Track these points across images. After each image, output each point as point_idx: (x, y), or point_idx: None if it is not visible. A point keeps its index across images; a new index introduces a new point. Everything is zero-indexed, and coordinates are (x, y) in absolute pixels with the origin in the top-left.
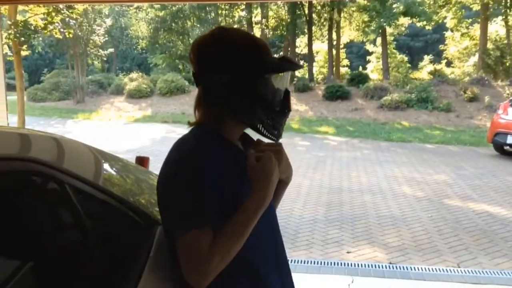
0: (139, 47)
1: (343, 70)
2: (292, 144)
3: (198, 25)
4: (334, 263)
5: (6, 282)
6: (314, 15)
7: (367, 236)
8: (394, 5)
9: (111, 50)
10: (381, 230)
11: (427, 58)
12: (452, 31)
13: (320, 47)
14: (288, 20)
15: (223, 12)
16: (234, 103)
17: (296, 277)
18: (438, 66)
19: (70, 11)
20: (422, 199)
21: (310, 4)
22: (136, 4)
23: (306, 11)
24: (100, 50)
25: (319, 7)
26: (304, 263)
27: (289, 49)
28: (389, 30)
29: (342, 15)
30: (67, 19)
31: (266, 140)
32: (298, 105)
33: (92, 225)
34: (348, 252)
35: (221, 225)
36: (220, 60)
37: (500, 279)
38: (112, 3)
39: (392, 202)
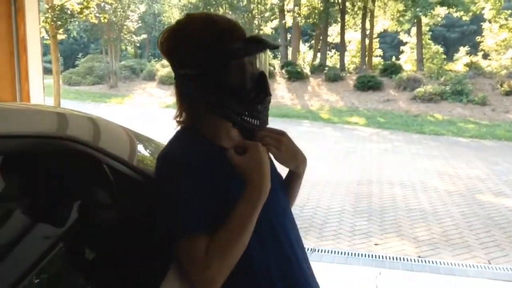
0: (157, 38)
1: (375, 60)
2: (322, 134)
3: (230, 12)
4: (362, 254)
5: (42, 258)
6: (347, 4)
7: (396, 229)
8: None
9: (144, 36)
10: (411, 224)
11: (463, 49)
12: (490, 22)
13: (353, 36)
14: (321, 8)
15: None
16: (203, 98)
17: (322, 267)
18: (474, 58)
19: None
20: (453, 194)
21: None
22: None
23: (340, 0)
24: (134, 36)
25: None
26: (331, 253)
27: (321, 37)
28: (424, 20)
29: (376, 4)
30: (102, 4)
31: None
32: (328, 95)
33: (128, 206)
34: (376, 244)
35: (216, 226)
36: (182, 52)
37: None
38: None
39: (423, 195)
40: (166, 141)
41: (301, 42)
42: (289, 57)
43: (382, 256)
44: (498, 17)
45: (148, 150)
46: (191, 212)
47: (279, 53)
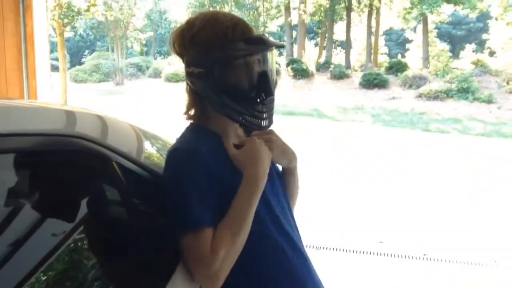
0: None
1: (381, 58)
2: (326, 132)
3: (236, 10)
4: (367, 252)
5: (48, 257)
6: (353, 1)
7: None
8: None
9: (150, 33)
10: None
11: (469, 47)
12: (496, 19)
13: (358, 33)
14: (327, 5)
15: None
16: (208, 97)
17: (327, 263)
18: (480, 56)
19: None
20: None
21: None
22: None
23: None
24: (140, 33)
25: None
26: (335, 250)
27: (327, 35)
28: (430, 17)
29: (382, 1)
30: (109, 1)
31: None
32: (333, 93)
33: (138, 204)
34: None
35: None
36: (188, 51)
37: None
38: None
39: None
40: (174, 138)
41: (306, 39)
42: (295, 54)
43: (387, 254)
44: (505, 14)
45: (155, 147)
46: (199, 205)
47: (285, 51)
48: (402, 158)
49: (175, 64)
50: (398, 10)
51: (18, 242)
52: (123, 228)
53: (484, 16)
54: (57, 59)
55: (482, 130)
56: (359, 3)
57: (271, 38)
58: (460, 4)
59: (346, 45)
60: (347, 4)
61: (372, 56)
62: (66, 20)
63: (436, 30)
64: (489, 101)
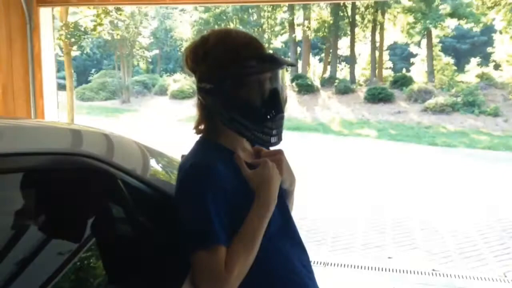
0: (183, 49)
1: (385, 72)
2: (332, 147)
3: (241, 27)
4: (375, 268)
5: (56, 274)
6: (357, 17)
7: (410, 241)
8: (441, 6)
9: (156, 51)
10: (424, 236)
11: (474, 60)
12: (501, 33)
13: (363, 48)
14: (331, 21)
15: (266, 14)
16: (218, 112)
17: (335, 281)
18: (485, 69)
19: (119, 12)
20: (467, 206)
21: (354, 5)
22: (180, 6)
23: (349, 13)
24: (146, 52)
25: (362, 9)
26: (344, 266)
27: (331, 50)
28: (434, 31)
29: (386, 16)
30: (115, 20)
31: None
32: (339, 107)
33: (143, 221)
34: (389, 258)
35: (232, 238)
36: (201, 67)
37: None
38: (158, 4)
39: (436, 207)
40: (179, 155)
41: (311, 55)
42: (299, 70)
43: (397, 270)
44: (509, 28)
45: (160, 165)
46: (217, 223)
47: (286, 68)
48: (410, 172)
49: (181, 81)
50: (402, 25)
51: (26, 260)
52: (129, 246)
53: (488, 30)
54: (64, 78)
55: (489, 143)
56: (363, 18)
57: (282, 56)
58: (464, 18)
59: (351, 60)
60: (350, 20)
61: (376, 71)
62: (73, 40)
63: (441, 44)
64: (495, 114)
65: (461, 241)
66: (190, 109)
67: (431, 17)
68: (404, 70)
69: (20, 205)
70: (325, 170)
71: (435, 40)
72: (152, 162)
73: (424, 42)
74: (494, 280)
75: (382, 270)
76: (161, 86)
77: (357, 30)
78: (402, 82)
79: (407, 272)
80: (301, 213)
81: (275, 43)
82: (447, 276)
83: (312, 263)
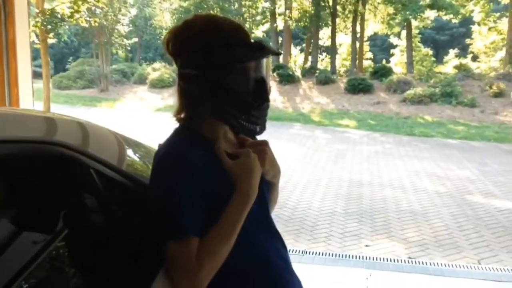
0: (163, 37)
1: (366, 63)
2: (313, 137)
3: (221, 16)
4: (352, 256)
5: (28, 265)
6: (338, 7)
7: (386, 230)
8: None
9: (135, 39)
10: (401, 225)
11: (452, 52)
12: (479, 25)
13: (344, 39)
14: (312, 11)
15: (247, 3)
16: (202, 99)
17: (313, 269)
18: (463, 61)
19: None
20: (443, 195)
21: None
22: None
23: (330, 3)
24: (125, 40)
25: None
26: (322, 255)
27: (312, 41)
28: (414, 23)
29: (367, 7)
30: (93, 8)
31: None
32: (319, 98)
33: (116, 211)
34: (366, 246)
35: (207, 229)
36: (185, 52)
37: None
38: None
39: (413, 196)
40: (160, 141)
41: (292, 45)
42: (281, 60)
43: (373, 258)
44: (487, 19)
45: (137, 155)
46: (190, 213)
47: (270, 56)
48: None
49: (160, 70)
50: (382, 16)
51: None
52: (103, 237)
53: (466, 22)
54: (40, 66)
55: (466, 133)
56: (344, 9)
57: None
58: (443, 10)
59: (332, 50)
60: (332, 10)
61: (357, 62)
62: (49, 27)
63: (420, 35)
64: (472, 105)
65: (437, 229)
66: (169, 98)
67: (411, 8)
68: (384, 61)
69: None
70: (303, 160)
71: (414, 31)
72: (129, 152)
73: (404, 33)
74: (469, 267)
75: (359, 258)
76: (140, 75)
77: (338, 20)
78: (382, 73)
79: (383, 260)
80: (280, 202)
81: (257, 32)
82: (423, 264)
83: (290, 252)
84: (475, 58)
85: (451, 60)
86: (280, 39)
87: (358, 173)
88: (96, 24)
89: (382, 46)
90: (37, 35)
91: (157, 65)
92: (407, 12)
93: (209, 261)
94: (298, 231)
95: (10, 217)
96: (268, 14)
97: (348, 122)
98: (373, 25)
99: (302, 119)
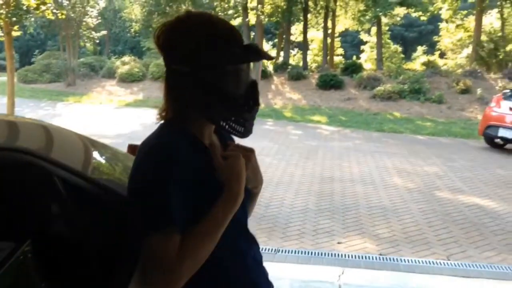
0: (132, 30)
1: (337, 59)
2: (285, 133)
3: (193, 9)
4: (325, 253)
5: None
6: (310, 3)
7: (358, 227)
8: None
9: (103, 32)
10: (372, 221)
11: (420, 49)
12: (446, 22)
13: (315, 35)
14: (284, 7)
15: None
16: (192, 97)
17: (286, 268)
18: (431, 57)
19: None
20: (412, 191)
21: None
22: None
23: None
24: (93, 32)
25: None
26: (295, 253)
27: (284, 36)
28: (384, 19)
29: (338, 3)
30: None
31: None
32: (291, 94)
33: (81, 219)
34: (339, 243)
35: (189, 227)
36: (178, 48)
37: (489, 273)
38: None
39: (383, 192)
40: (126, 144)
41: (264, 40)
42: None
43: (345, 255)
44: (454, 17)
45: (104, 157)
46: (176, 207)
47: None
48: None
49: (130, 64)
50: (353, 12)
51: None
52: (67, 245)
53: (434, 19)
54: (4, 59)
55: (434, 129)
56: (316, 4)
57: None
58: (412, 7)
59: (303, 46)
60: (304, 6)
61: (328, 57)
62: (14, 19)
63: (389, 32)
64: (439, 101)
65: (407, 225)
66: (139, 92)
67: (381, 5)
68: (354, 57)
69: None
70: (276, 156)
71: (384, 28)
72: (95, 155)
73: (374, 29)
74: (438, 263)
75: (332, 256)
76: (109, 68)
77: (310, 16)
78: (353, 69)
79: (355, 257)
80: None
81: None
82: (394, 260)
83: (262, 251)
84: (442, 55)
85: (419, 57)
86: (252, 34)
87: (329, 169)
88: (63, 16)
89: (352, 43)
90: (1, 28)
91: (126, 58)
92: (378, 9)
93: (189, 259)
94: (271, 229)
95: None
96: (240, 8)
97: (319, 118)
98: (344, 21)
99: (274, 115)
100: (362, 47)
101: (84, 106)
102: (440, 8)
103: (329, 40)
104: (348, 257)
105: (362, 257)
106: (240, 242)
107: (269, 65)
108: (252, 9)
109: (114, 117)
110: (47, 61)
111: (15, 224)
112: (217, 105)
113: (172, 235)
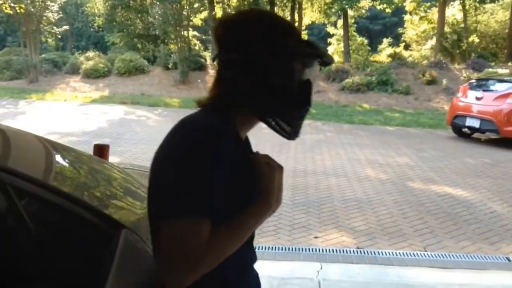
0: (96, 25)
1: None
2: (258, 127)
3: (158, 3)
4: (302, 249)
5: None
6: None
7: (334, 220)
8: None
9: (65, 27)
10: (347, 214)
11: (386, 41)
12: (410, 14)
13: None
14: (250, 0)
15: None
16: (244, 89)
17: (264, 264)
18: (397, 49)
19: None
20: (385, 182)
21: None
22: None
23: None
24: (54, 28)
25: None
26: (272, 249)
27: None
28: (350, 12)
29: None
30: None
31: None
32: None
33: (39, 232)
34: (315, 237)
35: (218, 221)
36: (236, 38)
37: (467, 263)
38: None
39: (357, 185)
40: (93, 142)
41: None
42: None
43: (322, 249)
44: (418, 9)
45: (67, 160)
46: (211, 195)
47: (210, 45)
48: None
49: (94, 60)
50: (320, 5)
51: None
52: (21, 258)
53: (398, 11)
54: None
55: (402, 120)
56: None
57: None
58: (377, 0)
59: None
60: None
61: None
62: None
63: (355, 25)
64: (406, 92)
65: (382, 217)
66: (104, 88)
67: None
68: None
69: None
70: None
71: (350, 21)
72: (57, 160)
73: (340, 22)
74: (415, 255)
75: (309, 251)
76: (72, 64)
77: (276, 9)
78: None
79: (333, 252)
80: None
81: (195, 20)
82: (371, 254)
83: None
84: (407, 47)
85: (385, 49)
86: None
87: (302, 163)
88: (22, 11)
89: (319, 35)
90: None
91: (90, 54)
92: (344, 2)
93: (214, 253)
94: None
95: None
96: (206, 1)
97: None
98: (311, 14)
99: None
100: (329, 39)
101: (48, 103)
102: (404, 0)
103: None
104: (326, 251)
105: (340, 251)
106: (247, 249)
107: None
108: (218, 2)
109: (79, 114)
110: (7, 57)
111: None
112: (268, 101)
113: (205, 224)
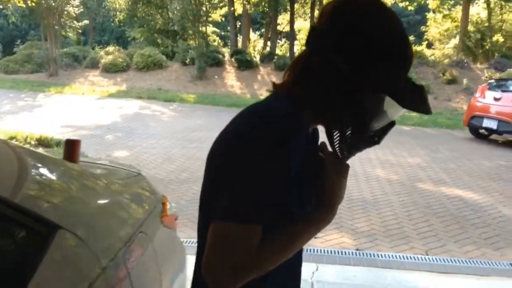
0: (117, 20)
1: None
2: None
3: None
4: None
5: None
6: None
7: (336, 220)
8: None
9: (86, 22)
10: (351, 215)
11: None
12: (434, 12)
13: (302, 25)
14: None
15: None
16: (330, 94)
17: None
18: (419, 48)
19: None
20: (394, 183)
21: None
22: None
23: None
24: (75, 22)
25: None
26: None
27: (271, 26)
28: None
29: None
30: None
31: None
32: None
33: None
34: (315, 237)
35: (272, 225)
36: (352, 41)
37: (468, 269)
38: None
39: (365, 185)
40: (104, 136)
41: (251, 30)
42: (239, 45)
43: (320, 250)
44: (441, 7)
45: (40, 171)
46: (268, 197)
47: (229, 41)
48: None
49: (114, 54)
50: None
51: None
52: None
53: (422, 9)
54: None
55: (419, 120)
56: None
57: None
58: None
59: (290, 36)
60: None
61: None
62: None
63: None
64: (426, 91)
65: (386, 219)
66: (122, 83)
67: None
68: None
69: None
70: None
71: None
72: (30, 172)
73: None
74: (416, 259)
75: (306, 251)
76: (92, 58)
77: (296, 6)
78: None
79: (331, 253)
80: None
81: (214, 16)
82: (370, 256)
83: None
84: (430, 45)
85: None
86: (238, 23)
87: None
88: (33, 4)
89: None
90: None
91: (110, 48)
92: None
93: (263, 260)
94: None
95: None
96: None
97: None
98: None
99: None
100: None
101: (66, 96)
102: None
103: None
104: (324, 252)
105: (338, 253)
106: (297, 259)
107: (256, 55)
108: None
109: (95, 108)
110: (29, 51)
111: None
112: (348, 119)
113: (258, 229)
